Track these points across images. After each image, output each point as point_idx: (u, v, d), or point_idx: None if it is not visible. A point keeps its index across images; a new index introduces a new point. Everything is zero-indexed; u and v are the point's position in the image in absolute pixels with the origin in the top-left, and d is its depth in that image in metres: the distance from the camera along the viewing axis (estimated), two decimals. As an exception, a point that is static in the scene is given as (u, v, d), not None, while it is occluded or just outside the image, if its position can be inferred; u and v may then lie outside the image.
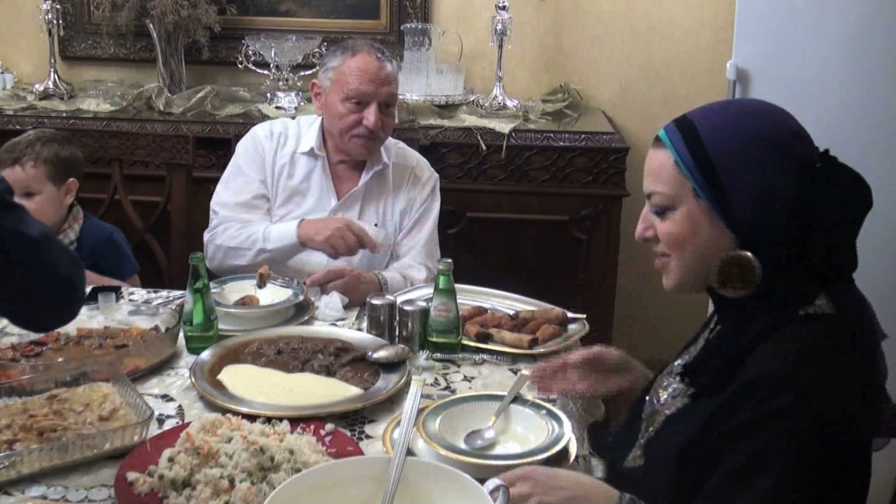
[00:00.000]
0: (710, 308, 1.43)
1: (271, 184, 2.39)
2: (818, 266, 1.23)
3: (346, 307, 2.04)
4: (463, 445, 1.42)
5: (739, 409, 1.17)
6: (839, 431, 1.13)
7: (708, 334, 1.40)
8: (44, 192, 2.28)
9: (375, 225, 2.37)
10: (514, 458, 1.36)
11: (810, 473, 1.12)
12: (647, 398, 1.46)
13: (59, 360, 1.70)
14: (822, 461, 1.12)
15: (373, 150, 2.35)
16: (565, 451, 1.41)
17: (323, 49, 3.11)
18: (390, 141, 2.47)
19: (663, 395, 1.41)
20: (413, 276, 2.28)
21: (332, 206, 2.36)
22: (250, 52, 3.12)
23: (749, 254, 1.24)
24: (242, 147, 2.43)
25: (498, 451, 1.44)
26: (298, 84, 3.11)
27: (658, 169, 1.31)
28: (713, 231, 1.27)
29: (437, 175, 2.49)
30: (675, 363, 1.45)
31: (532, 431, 1.47)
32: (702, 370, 1.30)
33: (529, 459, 1.35)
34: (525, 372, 1.62)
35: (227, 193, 2.37)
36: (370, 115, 2.28)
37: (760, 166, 1.23)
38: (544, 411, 1.50)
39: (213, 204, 2.38)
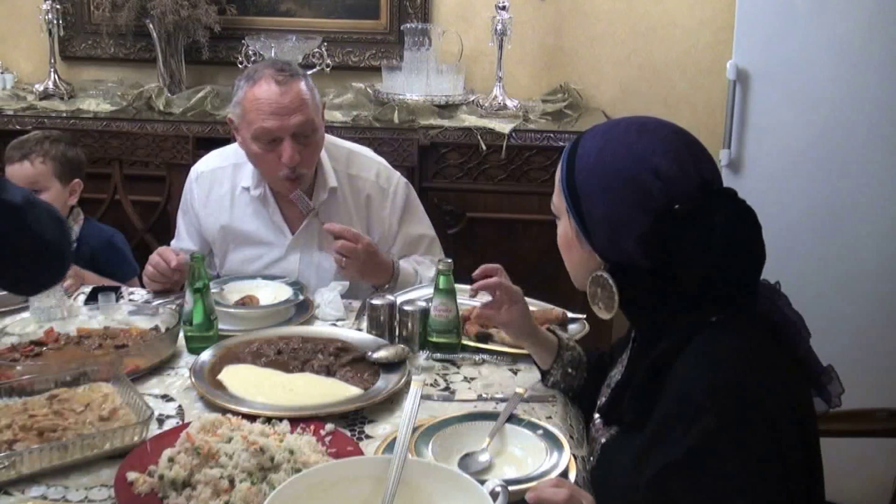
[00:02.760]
0: None
1: (212, 232, 2.24)
2: (695, 295, 1.21)
3: (348, 294, 2.02)
4: (457, 470, 1.34)
5: (667, 442, 1.14)
6: (773, 431, 1.12)
7: (629, 352, 1.39)
8: (50, 190, 2.31)
9: None
10: (512, 485, 1.27)
11: (773, 482, 1.10)
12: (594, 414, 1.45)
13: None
14: (776, 466, 1.10)
15: (301, 185, 2.11)
16: (565, 474, 1.35)
17: (323, 49, 3.11)
18: (339, 153, 2.24)
19: (597, 418, 1.41)
20: (423, 273, 2.19)
21: (288, 242, 2.20)
22: (250, 52, 3.12)
23: (608, 278, 1.27)
24: (183, 192, 2.31)
25: (494, 475, 1.36)
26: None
27: (557, 178, 1.34)
28: (582, 251, 1.31)
29: (403, 179, 2.30)
30: (612, 373, 1.44)
31: (530, 454, 1.42)
32: (622, 405, 1.28)
33: (528, 485, 1.28)
34: (520, 391, 1.59)
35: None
36: (285, 153, 2.02)
37: (613, 200, 1.23)
38: (541, 431, 1.45)
39: None
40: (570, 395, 1.67)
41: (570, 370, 1.64)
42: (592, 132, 1.31)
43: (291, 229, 2.21)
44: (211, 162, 2.28)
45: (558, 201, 1.33)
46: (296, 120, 2.02)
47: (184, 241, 2.31)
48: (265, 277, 2.13)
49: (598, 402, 1.44)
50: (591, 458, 1.40)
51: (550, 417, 1.57)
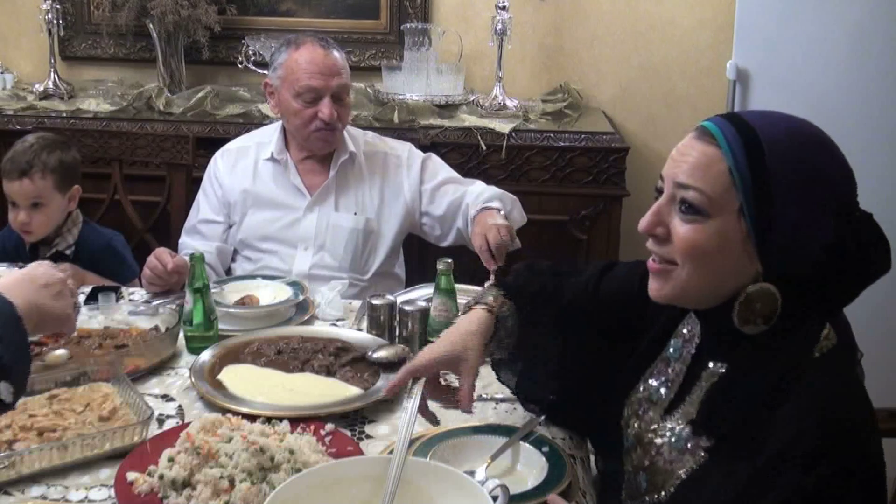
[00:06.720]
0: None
1: (234, 196, 2.39)
2: (832, 305, 1.18)
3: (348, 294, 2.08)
4: (457, 470, 1.26)
5: (775, 484, 1.09)
6: (876, 479, 1.11)
7: (699, 369, 1.28)
8: (51, 203, 2.28)
9: (355, 213, 2.37)
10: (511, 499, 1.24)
11: None
12: (630, 430, 1.35)
13: (59, 351, 1.71)
14: None
15: (333, 141, 2.34)
16: (564, 494, 1.30)
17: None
18: (357, 131, 2.47)
19: (659, 442, 1.28)
20: (474, 193, 2.33)
21: (306, 203, 2.36)
22: (250, 52, 3.12)
23: (775, 290, 1.14)
24: (205, 173, 2.49)
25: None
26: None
27: (704, 165, 1.15)
28: (742, 256, 1.14)
29: (421, 153, 2.47)
30: (650, 382, 1.33)
31: (531, 473, 1.37)
32: (718, 423, 1.20)
33: None
34: (540, 418, 1.48)
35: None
36: (324, 109, 2.25)
37: (812, 201, 1.12)
38: (546, 448, 1.40)
39: None
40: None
41: (504, 339, 1.45)
42: (767, 123, 1.17)
43: (310, 192, 2.37)
44: (236, 142, 2.50)
45: (716, 194, 1.14)
46: (336, 82, 2.27)
47: (203, 212, 2.43)
48: (265, 277, 2.13)
49: (647, 421, 1.33)
50: (662, 493, 1.26)
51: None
